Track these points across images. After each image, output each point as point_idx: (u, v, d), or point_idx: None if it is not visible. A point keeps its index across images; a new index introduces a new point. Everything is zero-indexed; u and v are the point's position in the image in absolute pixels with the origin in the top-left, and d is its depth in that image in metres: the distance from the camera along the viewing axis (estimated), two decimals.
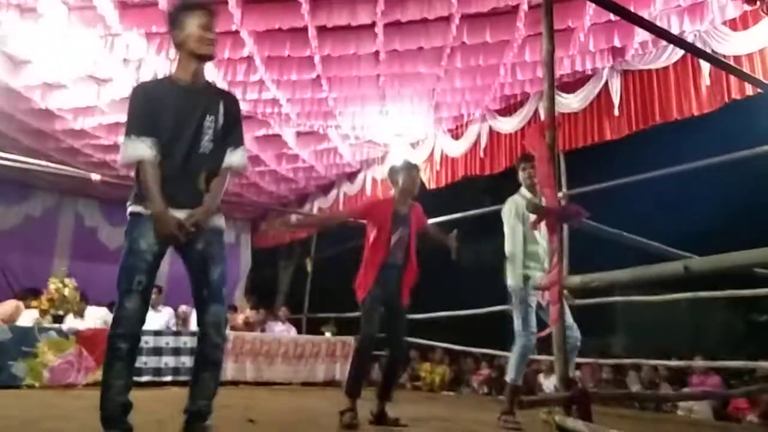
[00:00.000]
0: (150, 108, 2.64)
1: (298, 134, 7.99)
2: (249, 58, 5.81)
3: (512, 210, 4.19)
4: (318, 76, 6.16)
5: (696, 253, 2.83)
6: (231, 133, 2.81)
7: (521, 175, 4.33)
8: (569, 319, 4.05)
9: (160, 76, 6.15)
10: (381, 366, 4.15)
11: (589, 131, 6.13)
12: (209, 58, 2.78)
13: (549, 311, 3.99)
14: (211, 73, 5.93)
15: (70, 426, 3.21)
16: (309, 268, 10.80)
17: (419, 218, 4.22)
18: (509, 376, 4.18)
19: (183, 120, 2.66)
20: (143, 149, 2.55)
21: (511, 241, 4.16)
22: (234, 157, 2.79)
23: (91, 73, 6.34)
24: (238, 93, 6.19)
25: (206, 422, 2.62)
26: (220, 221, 2.75)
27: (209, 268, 2.66)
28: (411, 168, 4.27)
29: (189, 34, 2.66)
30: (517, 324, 4.07)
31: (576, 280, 2.57)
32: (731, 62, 4.71)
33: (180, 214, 2.58)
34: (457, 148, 7.52)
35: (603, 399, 5.34)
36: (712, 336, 16.42)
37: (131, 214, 2.61)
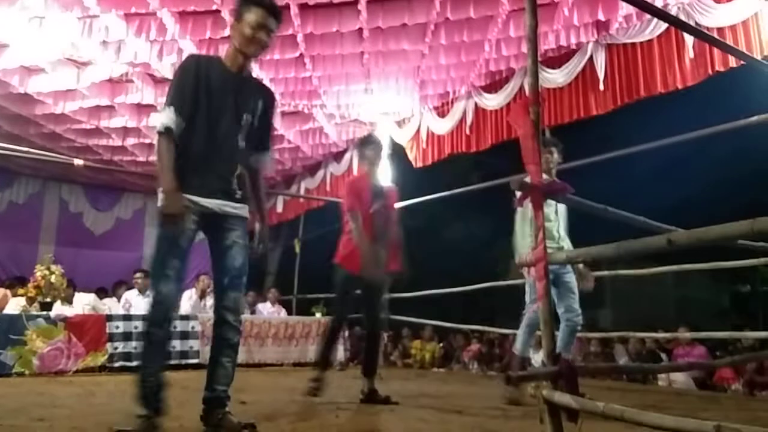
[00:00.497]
0: (195, 83, 2.63)
1: (283, 114, 7.93)
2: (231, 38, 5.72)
3: None
4: (301, 55, 6.09)
5: (680, 226, 2.85)
6: (266, 136, 2.89)
7: None
8: (575, 303, 4.15)
9: (140, 58, 6.07)
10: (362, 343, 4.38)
11: (574, 106, 6.12)
12: (253, 57, 2.80)
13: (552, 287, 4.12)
14: (194, 52, 5.85)
15: (61, 413, 3.20)
16: (297, 249, 10.80)
17: (394, 198, 4.38)
18: (515, 348, 4.31)
19: (224, 105, 2.67)
20: (171, 123, 2.55)
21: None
22: (268, 160, 2.91)
23: (69, 56, 6.24)
24: None
25: (226, 408, 2.63)
26: (245, 211, 2.76)
27: (233, 256, 2.69)
28: (374, 142, 4.39)
29: (241, 30, 2.69)
30: (529, 298, 4.19)
31: (561, 255, 2.58)
32: (715, 35, 4.70)
33: (208, 203, 2.60)
34: (443, 126, 7.50)
35: (591, 372, 5.42)
36: (697, 307, 16.66)
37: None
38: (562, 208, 4.28)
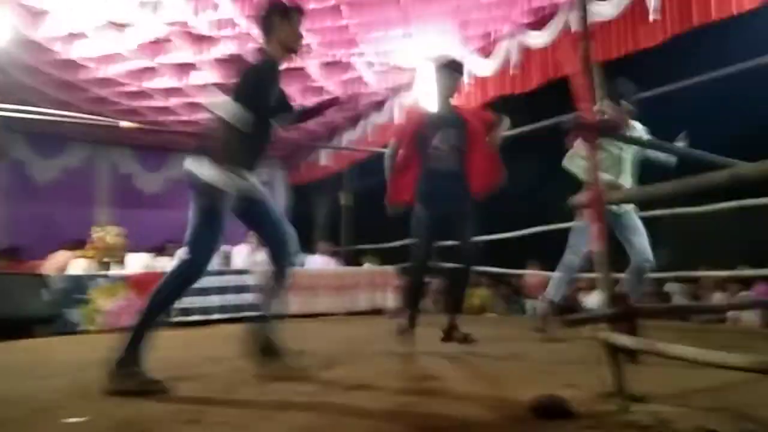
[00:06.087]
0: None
1: (322, 65, 7.83)
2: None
3: None
4: (337, 3, 5.96)
5: (741, 159, 2.70)
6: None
7: None
8: (643, 240, 4.01)
9: (176, 17, 6.03)
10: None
11: (622, 40, 5.82)
12: (296, 52, 3.23)
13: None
14: (229, 8, 5.80)
15: None
16: (344, 201, 10.86)
17: (475, 121, 4.00)
18: (547, 292, 4.26)
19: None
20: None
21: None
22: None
23: (109, 19, 6.26)
24: (254, 27, 6.06)
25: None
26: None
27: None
28: (443, 66, 4.07)
29: (288, 33, 3.09)
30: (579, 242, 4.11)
31: (617, 194, 2.49)
32: None
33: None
34: (486, 67, 7.27)
35: (649, 313, 5.31)
36: (762, 246, 16.07)
37: None
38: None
